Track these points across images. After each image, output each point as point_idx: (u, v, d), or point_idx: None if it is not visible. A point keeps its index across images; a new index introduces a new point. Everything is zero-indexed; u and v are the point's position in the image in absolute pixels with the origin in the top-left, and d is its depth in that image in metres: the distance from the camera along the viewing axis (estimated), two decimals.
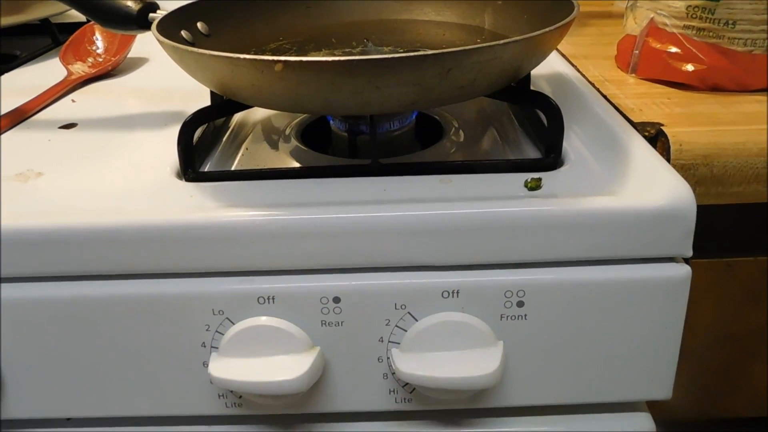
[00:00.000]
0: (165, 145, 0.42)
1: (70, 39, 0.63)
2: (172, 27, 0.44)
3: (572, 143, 0.41)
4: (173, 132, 0.39)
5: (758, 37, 0.46)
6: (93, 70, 0.60)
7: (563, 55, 0.58)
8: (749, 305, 0.46)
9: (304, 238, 0.34)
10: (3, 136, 0.47)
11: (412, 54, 0.31)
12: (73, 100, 0.55)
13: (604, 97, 0.48)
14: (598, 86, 0.50)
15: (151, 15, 0.45)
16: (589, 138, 0.42)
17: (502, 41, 0.32)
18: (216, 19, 0.49)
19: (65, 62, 0.60)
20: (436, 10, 0.54)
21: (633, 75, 0.52)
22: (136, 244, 0.34)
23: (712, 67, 0.47)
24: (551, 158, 0.39)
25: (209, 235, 0.34)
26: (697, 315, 0.46)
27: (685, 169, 0.40)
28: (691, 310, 0.36)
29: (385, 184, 0.37)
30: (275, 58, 0.31)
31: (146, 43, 0.62)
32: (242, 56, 0.32)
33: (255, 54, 0.34)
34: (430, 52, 0.31)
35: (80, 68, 0.60)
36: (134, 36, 0.64)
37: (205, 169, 0.42)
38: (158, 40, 0.38)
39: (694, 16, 0.47)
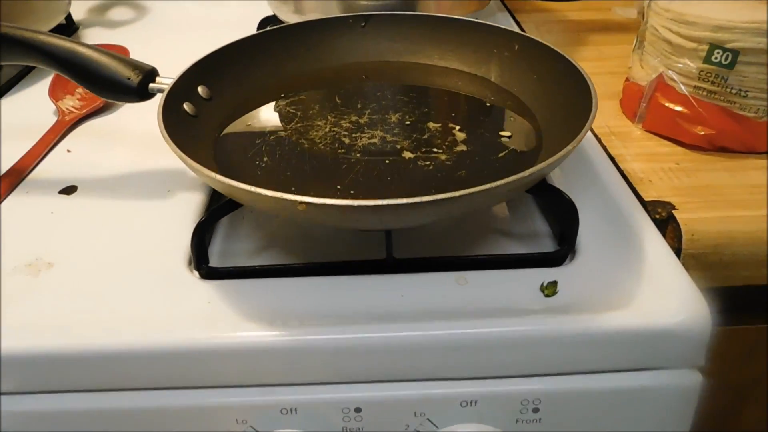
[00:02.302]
0: (173, 226, 0.42)
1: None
2: (174, 102, 0.42)
3: (583, 223, 0.41)
4: (179, 202, 0.41)
5: None
6: (84, 107, 0.58)
7: None
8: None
9: (325, 356, 0.34)
10: (3, 204, 0.46)
11: (434, 198, 0.30)
12: (68, 150, 0.53)
13: (611, 158, 0.47)
14: (604, 142, 0.50)
15: (152, 86, 0.43)
16: (600, 218, 0.42)
17: (520, 179, 0.31)
18: (215, 78, 0.47)
19: (54, 98, 0.58)
20: (440, 54, 0.53)
21: (639, 126, 0.51)
22: (157, 363, 0.34)
23: (721, 132, 0.47)
24: (565, 249, 0.39)
25: (231, 354, 0.34)
26: None
27: (695, 258, 0.41)
28: None
29: (401, 285, 0.37)
30: (299, 198, 0.30)
31: None
32: (264, 192, 0.31)
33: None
34: (451, 195, 0.30)
35: (71, 104, 0.58)
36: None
37: (215, 248, 0.42)
38: (174, 152, 0.36)
39: (705, 79, 0.46)
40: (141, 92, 0.43)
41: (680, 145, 0.49)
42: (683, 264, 0.41)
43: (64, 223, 0.44)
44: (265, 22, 0.67)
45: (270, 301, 0.36)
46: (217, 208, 0.39)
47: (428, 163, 0.40)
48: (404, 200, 0.30)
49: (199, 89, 0.46)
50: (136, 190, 0.47)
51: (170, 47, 0.69)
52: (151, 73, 0.44)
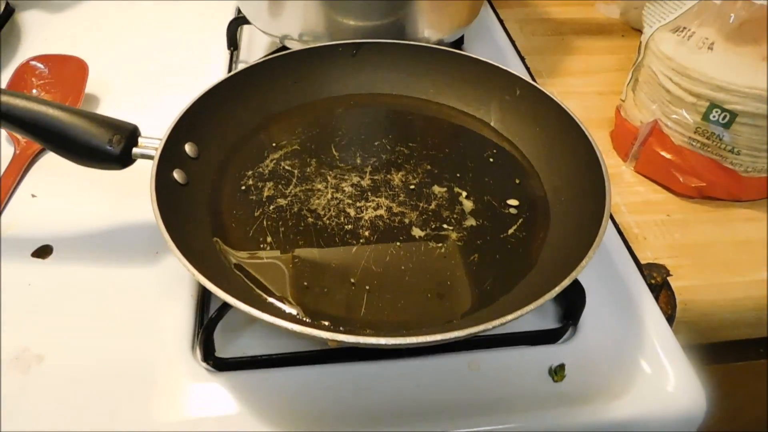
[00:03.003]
0: (169, 303, 0.40)
1: (6, 85, 0.54)
2: (164, 173, 0.39)
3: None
4: (171, 269, 0.39)
5: (759, 164, 0.46)
6: None
7: None
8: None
9: None
10: None
11: (457, 336, 0.30)
12: (33, 195, 0.48)
13: None
14: None
15: (135, 151, 0.40)
16: (599, 285, 0.43)
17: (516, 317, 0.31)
18: (201, 130, 0.43)
19: None
20: (436, 89, 0.50)
21: (631, 167, 0.52)
22: None
23: (711, 184, 0.48)
24: (569, 325, 0.40)
25: None
26: None
27: (686, 324, 0.43)
28: None
29: (415, 372, 0.37)
30: (329, 336, 0.29)
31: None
32: (292, 327, 0.30)
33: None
34: (462, 334, 0.30)
35: None
36: (86, 74, 0.56)
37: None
38: (184, 266, 0.33)
39: (701, 134, 0.46)
40: (123, 159, 0.39)
41: (669, 191, 0.50)
42: (674, 329, 0.43)
43: (45, 300, 0.41)
44: (234, 24, 0.62)
45: (282, 399, 0.36)
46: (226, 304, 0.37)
47: (440, 245, 0.39)
48: (430, 338, 0.30)
49: (187, 148, 0.42)
50: (120, 252, 0.44)
51: (130, 52, 0.64)
52: (133, 135, 0.40)
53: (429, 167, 0.45)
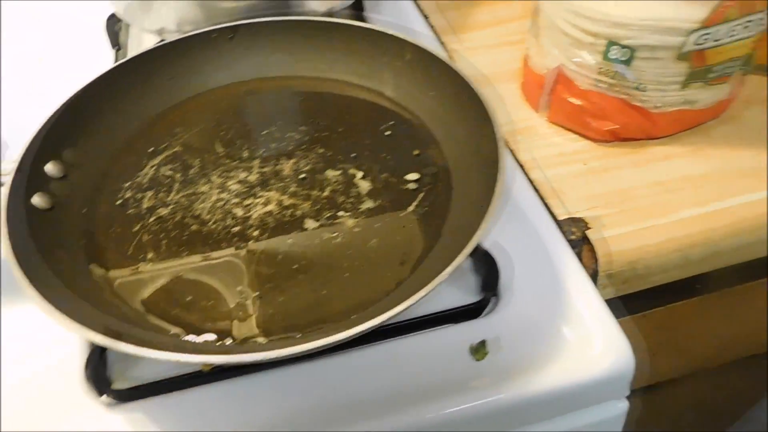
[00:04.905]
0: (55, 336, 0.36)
1: None
2: (18, 201, 0.35)
3: (503, 259, 0.40)
4: None
5: (668, 98, 0.44)
6: None
7: None
8: None
9: None
10: None
11: (349, 335, 0.27)
12: None
13: (520, 166, 0.45)
14: (510, 144, 0.47)
15: None
16: (518, 249, 0.40)
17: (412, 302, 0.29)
18: (68, 144, 0.40)
19: None
20: (328, 63, 0.47)
21: (543, 117, 0.49)
22: None
23: (624, 125, 0.46)
24: (488, 297, 0.38)
25: None
26: None
27: (611, 277, 0.41)
28: None
29: (330, 372, 0.35)
30: (203, 360, 0.26)
31: None
32: (162, 356, 0.27)
33: None
34: (354, 332, 0.27)
35: None
36: None
37: None
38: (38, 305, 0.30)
39: (605, 74, 0.44)
40: None
41: (585, 137, 0.47)
42: (599, 283, 0.41)
43: None
44: (112, 21, 0.57)
45: (201, 418, 0.33)
46: None
47: (335, 234, 0.36)
48: (320, 342, 0.27)
49: (49, 167, 0.38)
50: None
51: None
52: None
53: (322, 150, 0.41)
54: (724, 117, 0.49)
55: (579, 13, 0.43)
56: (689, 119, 0.47)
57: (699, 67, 0.42)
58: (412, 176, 0.39)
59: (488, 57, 0.55)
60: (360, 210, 0.38)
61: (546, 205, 0.43)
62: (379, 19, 0.59)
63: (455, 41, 0.57)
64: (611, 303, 0.39)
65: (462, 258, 0.30)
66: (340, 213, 0.38)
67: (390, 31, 0.44)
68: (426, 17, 0.60)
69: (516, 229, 0.41)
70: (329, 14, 0.53)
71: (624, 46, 0.42)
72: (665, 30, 0.41)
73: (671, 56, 0.42)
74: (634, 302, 0.46)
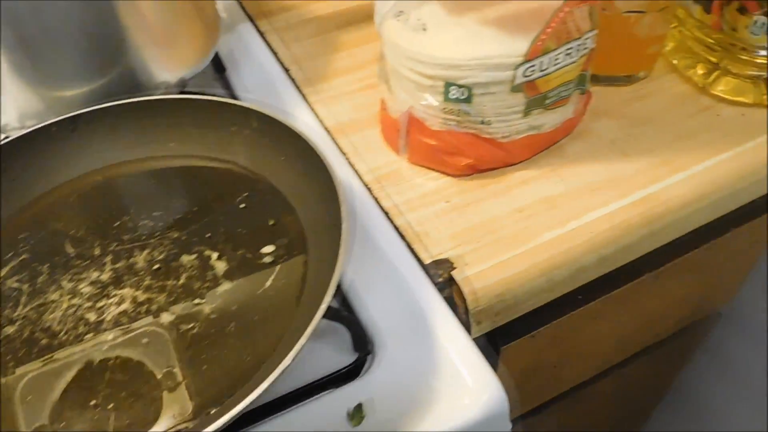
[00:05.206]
0: None
1: None
2: None
3: (375, 312, 0.40)
4: None
5: (513, 127, 0.46)
6: None
7: (325, 128, 0.54)
8: None
9: None
10: None
11: None
12: None
13: (385, 214, 0.46)
14: (374, 192, 0.47)
15: None
16: (388, 300, 0.41)
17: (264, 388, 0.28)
18: None
19: None
20: (178, 140, 0.46)
21: (405, 158, 0.50)
22: None
23: (480, 158, 0.47)
24: (362, 358, 0.38)
25: None
26: None
27: (483, 312, 0.42)
28: None
29: None
30: None
31: None
32: None
33: None
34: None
35: None
36: None
37: None
38: None
39: (450, 113, 0.45)
40: None
41: (446, 174, 0.48)
42: (473, 319, 0.42)
43: None
44: None
45: None
46: None
47: (191, 326, 0.36)
48: None
49: None
50: None
51: None
52: None
53: (176, 235, 0.40)
54: (575, 133, 0.51)
55: (414, 59, 0.44)
56: (540, 142, 0.48)
57: (534, 96, 0.44)
58: (268, 249, 0.39)
59: (350, 103, 0.56)
60: (217, 294, 0.37)
61: (412, 250, 0.44)
62: (239, 80, 0.59)
63: (316, 91, 0.57)
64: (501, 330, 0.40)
65: (305, 339, 0.30)
66: (197, 301, 0.37)
67: (234, 101, 0.44)
68: (287, 70, 0.60)
69: (383, 281, 0.42)
70: (182, 84, 0.52)
71: (461, 86, 0.43)
72: (494, 66, 0.42)
73: (506, 90, 0.43)
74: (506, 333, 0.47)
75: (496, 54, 0.42)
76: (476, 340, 0.42)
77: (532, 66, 0.42)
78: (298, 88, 0.58)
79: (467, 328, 0.42)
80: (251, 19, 0.68)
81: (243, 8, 0.69)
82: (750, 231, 0.61)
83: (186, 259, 0.39)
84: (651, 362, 0.77)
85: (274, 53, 0.62)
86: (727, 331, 0.83)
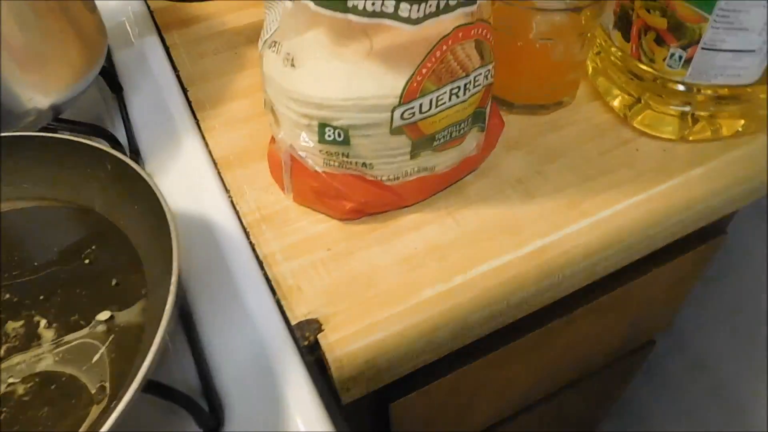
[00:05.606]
0: None
1: None
2: None
3: (224, 379, 0.36)
4: None
5: (399, 170, 0.42)
6: None
7: (213, 159, 0.49)
8: None
9: None
10: None
11: None
12: None
13: (260, 263, 0.42)
14: (253, 236, 0.44)
15: None
16: (244, 372, 0.37)
17: None
18: None
19: None
20: (33, 183, 0.41)
21: (291, 197, 0.46)
22: None
23: (366, 201, 0.43)
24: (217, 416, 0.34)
25: None
26: None
27: (353, 380, 0.38)
28: None
29: None
30: None
31: None
32: None
33: None
34: None
35: None
36: None
37: None
38: None
39: (329, 154, 0.41)
40: None
41: (332, 217, 0.44)
42: (340, 387, 0.38)
43: None
44: None
45: None
46: None
47: (4, 411, 0.32)
48: None
49: None
50: None
51: None
52: None
53: (8, 296, 0.36)
54: (482, 168, 0.48)
55: (287, 96, 0.40)
56: (434, 184, 0.44)
57: (418, 138, 0.40)
58: (104, 315, 0.35)
59: (245, 131, 0.52)
60: (35, 372, 0.33)
61: (281, 307, 0.40)
62: (136, 102, 0.54)
63: (210, 116, 0.53)
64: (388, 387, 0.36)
65: (107, 428, 0.26)
66: (11, 380, 0.33)
67: (84, 141, 0.40)
68: (186, 91, 0.56)
69: (244, 344, 0.38)
70: (56, 110, 0.48)
71: (336, 127, 0.39)
72: (369, 108, 0.38)
73: (384, 132, 0.39)
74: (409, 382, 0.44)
75: (371, 95, 0.38)
76: (367, 396, 0.39)
77: (410, 108, 0.38)
78: (193, 112, 0.54)
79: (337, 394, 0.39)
80: (159, 31, 0.63)
81: (153, 18, 0.65)
82: (676, 267, 0.58)
83: (12, 326, 0.35)
84: (587, 390, 0.74)
85: (176, 71, 0.58)
86: (667, 353, 0.81)
